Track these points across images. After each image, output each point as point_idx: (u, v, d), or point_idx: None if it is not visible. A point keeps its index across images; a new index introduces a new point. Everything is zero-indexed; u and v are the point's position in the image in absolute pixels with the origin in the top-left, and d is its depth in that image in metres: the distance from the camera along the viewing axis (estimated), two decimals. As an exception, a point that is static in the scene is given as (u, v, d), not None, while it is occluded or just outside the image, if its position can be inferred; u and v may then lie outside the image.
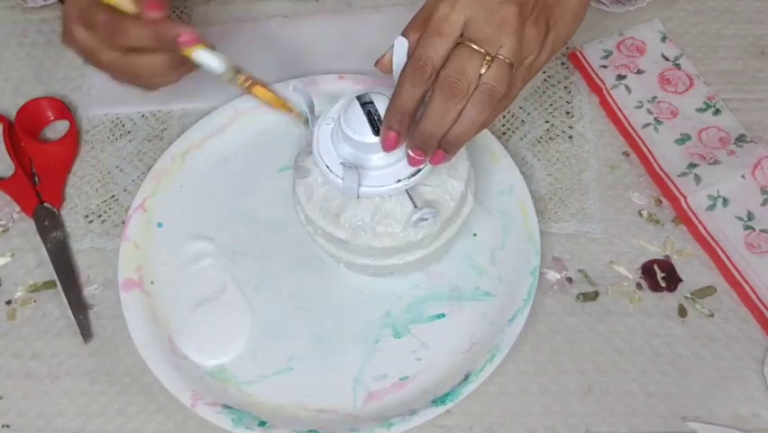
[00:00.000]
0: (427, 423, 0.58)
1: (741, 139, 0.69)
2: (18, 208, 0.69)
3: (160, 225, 0.67)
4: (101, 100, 0.74)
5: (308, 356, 0.62)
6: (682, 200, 0.66)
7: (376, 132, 0.55)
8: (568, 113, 0.72)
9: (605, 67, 0.73)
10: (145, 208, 0.67)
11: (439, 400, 0.58)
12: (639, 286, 0.64)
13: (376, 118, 0.55)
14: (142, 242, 0.66)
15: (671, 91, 0.72)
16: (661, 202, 0.68)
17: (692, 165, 0.68)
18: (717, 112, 0.71)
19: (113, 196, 0.70)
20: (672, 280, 0.64)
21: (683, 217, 0.66)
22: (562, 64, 0.74)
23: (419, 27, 0.54)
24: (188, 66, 0.61)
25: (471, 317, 0.62)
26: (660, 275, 0.65)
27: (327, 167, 0.56)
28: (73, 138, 0.72)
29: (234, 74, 0.60)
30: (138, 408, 0.61)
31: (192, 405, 0.59)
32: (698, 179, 0.67)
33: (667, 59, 0.73)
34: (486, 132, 0.67)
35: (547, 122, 0.71)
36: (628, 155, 0.70)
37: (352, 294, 0.64)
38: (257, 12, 0.78)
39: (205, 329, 0.63)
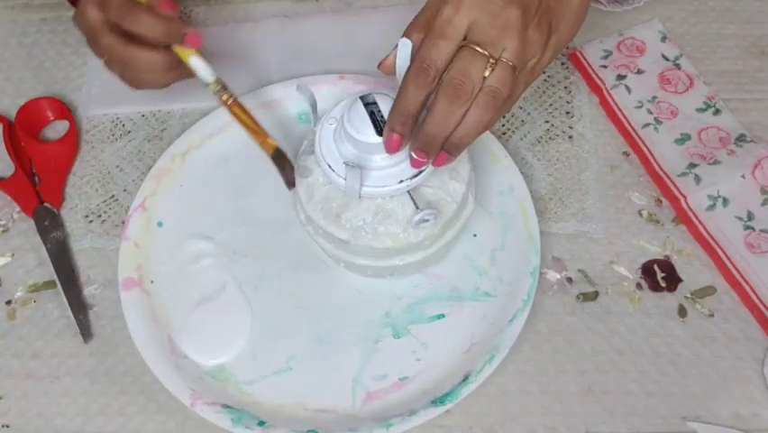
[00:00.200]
0: (427, 423, 0.58)
1: (741, 139, 0.69)
2: (18, 208, 0.69)
3: (160, 224, 0.67)
4: (101, 100, 0.74)
5: (308, 356, 0.62)
6: (682, 200, 0.66)
7: (379, 132, 0.55)
8: (568, 113, 0.72)
9: (605, 67, 0.73)
10: (145, 208, 0.67)
11: (438, 401, 0.58)
12: (639, 286, 0.64)
13: (379, 118, 0.55)
14: (142, 241, 0.66)
15: (671, 91, 0.72)
16: (661, 202, 0.68)
17: (692, 165, 0.68)
18: (717, 112, 0.71)
19: (113, 196, 0.70)
20: (672, 280, 0.64)
21: (683, 217, 0.66)
22: (562, 64, 0.74)
23: (422, 28, 0.54)
24: (180, 71, 0.63)
25: (471, 317, 0.62)
26: (660, 275, 0.65)
27: (329, 166, 0.56)
28: (73, 138, 0.72)
29: (221, 89, 0.63)
30: (138, 408, 0.61)
31: (191, 405, 0.59)
32: (698, 179, 0.67)
33: (667, 59, 0.73)
34: (486, 132, 0.66)
35: (547, 122, 0.71)
36: (628, 155, 0.70)
37: (352, 294, 0.64)
38: (257, 12, 0.78)
39: (205, 329, 0.63)
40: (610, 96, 0.72)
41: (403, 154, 0.55)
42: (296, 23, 0.77)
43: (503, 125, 0.71)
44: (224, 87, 0.63)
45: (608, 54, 0.74)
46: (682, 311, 0.63)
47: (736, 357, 0.61)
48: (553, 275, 0.65)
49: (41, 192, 0.70)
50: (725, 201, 0.66)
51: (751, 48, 0.74)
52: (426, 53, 0.52)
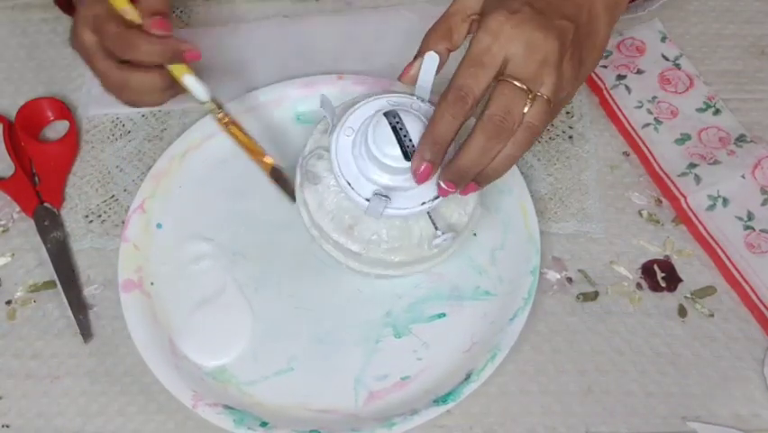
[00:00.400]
0: (427, 423, 0.58)
1: (741, 139, 0.69)
2: (18, 208, 0.69)
3: (159, 226, 0.67)
4: (101, 100, 0.74)
5: (309, 357, 0.62)
6: (682, 200, 0.66)
7: (404, 153, 0.53)
8: (568, 113, 0.72)
9: (605, 67, 0.73)
10: (144, 209, 0.67)
11: (440, 400, 0.58)
12: (639, 286, 0.64)
13: (403, 136, 0.53)
14: (142, 243, 0.66)
15: (671, 91, 0.72)
16: (661, 202, 0.68)
17: (692, 165, 0.68)
18: (717, 112, 0.71)
19: (113, 196, 0.70)
20: (672, 280, 0.65)
21: (683, 217, 0.66)
22: (562, 64, 0.74)
23: (444, 37, 0.54)
24: (175, 89, 0.63)
25: (472, 316, 0.63)
26: (660, 275, 0.65)
27: (349, 184, 0.55)
28: (73, 138, 0.72)
29: (216, 107, 0.63)
30: (138, 408, 0.61)
31: (193, 406, 0.59)
32: (698, 179, 0.67)
33: (667, 59, 0.73)
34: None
35: (547, 122, 0.71)
36: (628, 155, 0.70)
37: (353, 294, 0.64)
38: (257, 12, 0.78)
39: (206, 330, 0.63)
40: (610, 96, 0.72)
41: None
42: (296, 23, 0.77)
43: (503, 125, 0.71)
44: (220, 106, 0.63)
45: (607, 54, 0.74)
46: (682, 311, 0.63)
47: (736, 357, 0.61)
48: (553, 275, 0.65)
49: (41, 192, 0.70)
50: (725, 201, 0.66)
51: (751, 48, 0.74)
52: (463, 81, 0.51)
